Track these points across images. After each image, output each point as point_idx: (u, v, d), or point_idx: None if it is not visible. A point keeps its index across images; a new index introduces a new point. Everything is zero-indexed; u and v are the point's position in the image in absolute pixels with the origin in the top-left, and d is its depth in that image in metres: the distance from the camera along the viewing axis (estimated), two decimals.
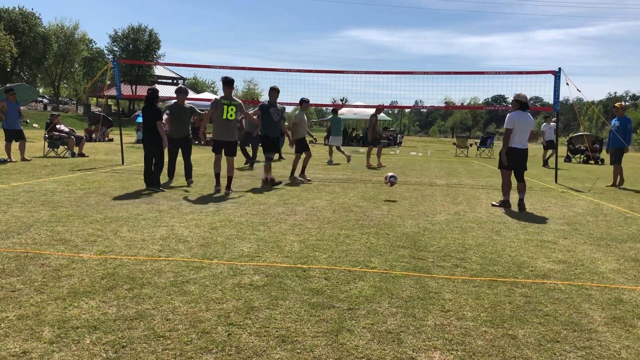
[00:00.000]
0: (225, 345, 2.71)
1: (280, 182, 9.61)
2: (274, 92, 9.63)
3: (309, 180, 10.38)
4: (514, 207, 7.71)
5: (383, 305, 3.39)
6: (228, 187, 8.32)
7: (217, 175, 8.37)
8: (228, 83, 8.28)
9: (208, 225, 5.61)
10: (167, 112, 9.17)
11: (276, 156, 14.88)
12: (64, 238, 4.78)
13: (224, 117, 8.19)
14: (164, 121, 8.34)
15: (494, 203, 8.07)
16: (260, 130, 9.65)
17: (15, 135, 12.28)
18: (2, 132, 13.27)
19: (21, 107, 13.16)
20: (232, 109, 8.22)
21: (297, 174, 10.46)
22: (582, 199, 9.25)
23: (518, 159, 7.74)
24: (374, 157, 15.28)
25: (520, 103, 7.73)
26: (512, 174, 7.94)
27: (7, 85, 20.83)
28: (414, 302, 3.47)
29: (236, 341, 2.76)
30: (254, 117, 9.71)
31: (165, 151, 8.37)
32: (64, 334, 2.75)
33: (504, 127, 7.73)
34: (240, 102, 8.52)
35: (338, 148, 16.12)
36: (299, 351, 2.68)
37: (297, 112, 10.84)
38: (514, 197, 7.85)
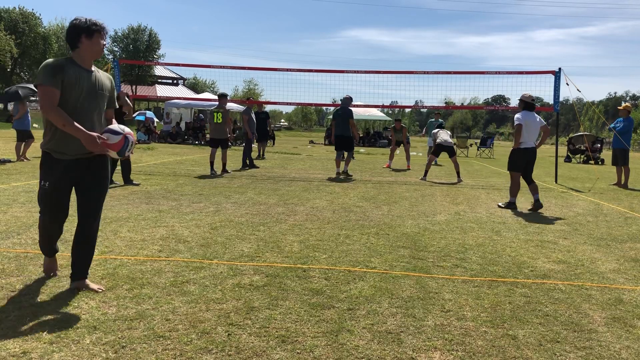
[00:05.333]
0: (225, 345, 2.71)
1: (350, 176, 11.53)
2: (347, 100, 11.79)
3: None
4: (521, 209, 7.70)
5: (383, 305, 3.39)
6: (224, 170, 11.22)
7: (212, 164, 11.26)
8: (222, 97, 11.53)
9: (208, 225, 5.61)
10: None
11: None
12: (64, 238, 4.77)
13: (214, 120, 11.27)
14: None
15: (500, 204, 7.91)
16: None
17: (26, 135, 12.46)
18: (11, 132, 13.38)
19: None
20: (219, 115, 11.19)
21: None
22: (582, 199, 9.25)
23: (527, 159, 7.80)
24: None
25: (525, 103, 7.77)
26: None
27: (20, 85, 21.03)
28: (414, 302, 3.47)
29: (236, 341, 2.76)
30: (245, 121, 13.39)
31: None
32: (64, 334, 2.75)
33: (515, 124, 7.75)
34: (226, 109, 11.38)
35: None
36: (299, 351, 2.68)
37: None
38: (520, 201, 7.84)
